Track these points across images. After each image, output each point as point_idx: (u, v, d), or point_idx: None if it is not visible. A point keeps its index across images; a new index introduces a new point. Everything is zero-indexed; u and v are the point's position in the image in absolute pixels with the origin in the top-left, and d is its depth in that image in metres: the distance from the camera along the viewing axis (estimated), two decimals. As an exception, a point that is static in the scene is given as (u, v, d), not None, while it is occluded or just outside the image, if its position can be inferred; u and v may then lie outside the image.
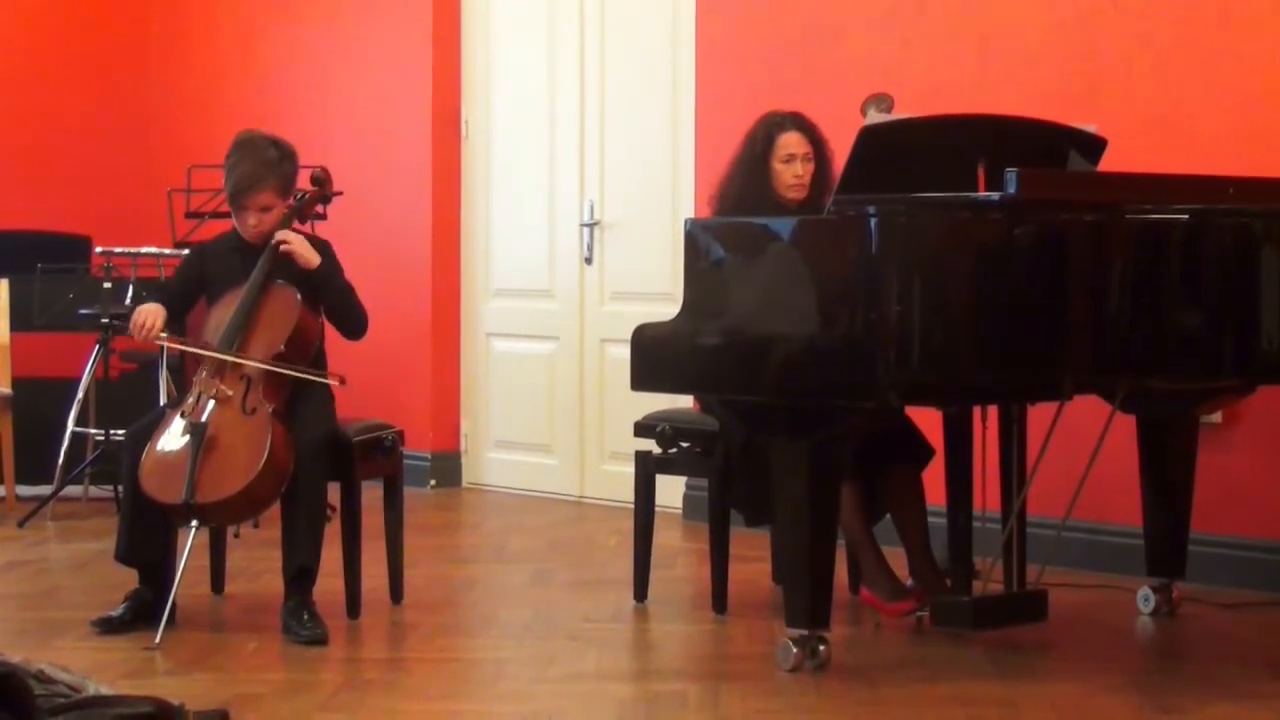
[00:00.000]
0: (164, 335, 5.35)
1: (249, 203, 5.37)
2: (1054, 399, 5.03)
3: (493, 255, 8.26)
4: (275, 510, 5.29)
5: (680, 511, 7.25)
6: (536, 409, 8.07)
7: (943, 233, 4.53)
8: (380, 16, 8.45)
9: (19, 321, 7.61)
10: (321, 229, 5.96)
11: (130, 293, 7.20)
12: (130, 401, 7.33)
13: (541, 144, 8.04)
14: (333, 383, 5.36)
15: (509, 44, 8.20)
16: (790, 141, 5.40)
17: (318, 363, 5.47)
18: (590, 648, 5.09)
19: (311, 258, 5.39)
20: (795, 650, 4.72)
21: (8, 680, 3.74)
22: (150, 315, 5.30)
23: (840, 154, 4.72)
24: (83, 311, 7.33)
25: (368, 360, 6.35)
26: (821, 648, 4.73)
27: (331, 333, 5.52)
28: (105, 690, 4.11)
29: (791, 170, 5.38)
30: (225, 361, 5.26)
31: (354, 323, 5.48)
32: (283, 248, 5.37)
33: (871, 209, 4.46)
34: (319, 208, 5.95)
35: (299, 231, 5.49)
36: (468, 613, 5.76)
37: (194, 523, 5.10)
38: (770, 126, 5.42)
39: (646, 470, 5.67)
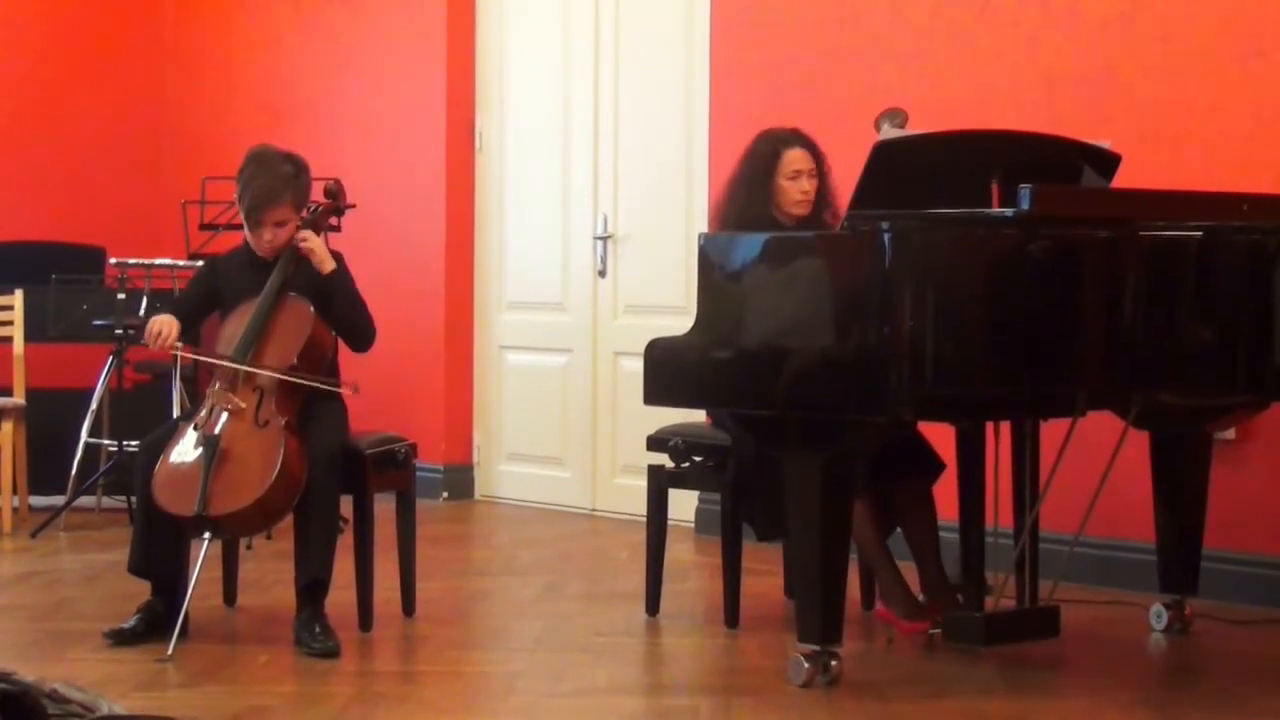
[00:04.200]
0: (179, 345, 5.37)
1: (265, 218, 5.38)
2: (1067, 415, 5.03)
3: (506, 268, 8.27)
4: (288, 522, 5.30)
5: (693, 525, 7.25)
6: (549, 422, 8.07)
7: (956, 248, 4.53)
8: (395, 29, 8.47)
9: (33, 332, 7.63)
10: (335, 241, 5.96)
11: (144, 304, 7.22)
12: (143, 412, 7.34)
13: (555, 157, 8.05)
14: (346, 391, 5.37)
15: (523, 56, 8.21)
16: (796, 158, 5.41)
17: (331, 375, 5.47)
18: (602, 661, 5.09)
19: (327, 261, 5.42)
20: (807, 665, 4.72)
21: (21, 700, 3.75)
22: (165, 325, 5.31)
23: (854, 170, 4.72)
24: (96, 322, 7.34)
25: (381, 373, 6.37)
26: (833, 663, 4.73)
27: (343, 348, 5.53)
28: (119, 709, 4.12)
29: (798, 186, 5.39)
30: (238, 373, 5.27)
31: (361, 334, 5.48)
32: (302, 245, 5.38)
33: (885, 224, 4.46)
34: (332, 220, 5.96)
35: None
36: (479, 626, 5.77)
37: (206, 535, 5.11)
38: (775, 143, 5.43)
39: (659, 484, 5.68)
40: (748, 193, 5.41)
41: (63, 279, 7.57)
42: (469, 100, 8.35)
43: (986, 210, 4.69)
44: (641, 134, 7.72)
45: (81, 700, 4.00)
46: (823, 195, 5.45)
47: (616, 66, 7.82)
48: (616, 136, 7.82)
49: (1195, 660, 5.31)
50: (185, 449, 5.19)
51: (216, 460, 5.10)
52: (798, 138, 5.46)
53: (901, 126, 5.16)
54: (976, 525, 5.07)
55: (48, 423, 7.67)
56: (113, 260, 7.61)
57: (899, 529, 5.47)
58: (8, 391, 7.53)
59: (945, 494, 5.30)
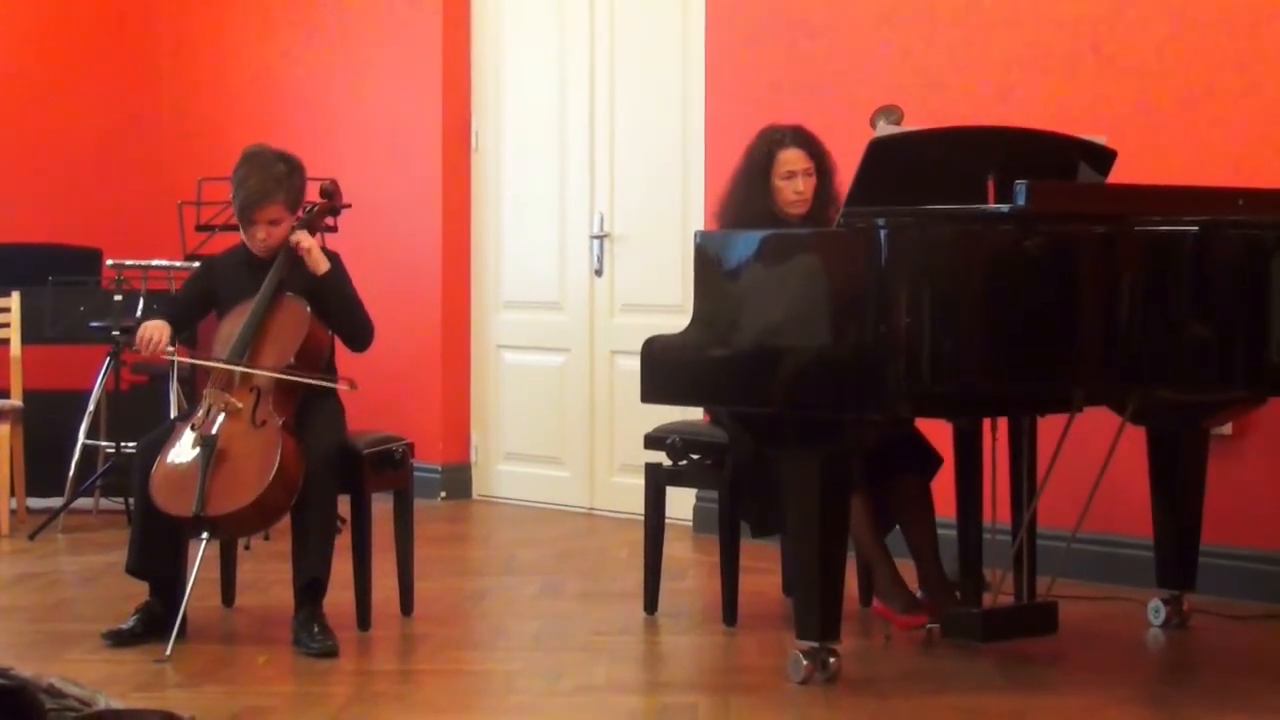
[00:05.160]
0: (170, 350, 5.36)
1: (258, 216, 5.39)
2: (1064, 411, 5.03)
3: (503, 267, 8.27)
4: (286, 522, 5.30)
5: (690, 524, 7.24)
6: (547, 421, 8.07)
7: (953, 245, 4.53)
8: (390, 30, 8.47)
9: (30, 334, 7.63)
10: (331, 241, 5.97)
11: (141, 305, 7.21)
12: (141, 414, 7.33)
13: (551, 156, 8.05)
14: (343, 387, 5.37)
15: (519, 56, 8.21)
16: (790, 158, 5.40)
17: (328, 375, 5.47)
18: (600, 660, 5.10)
19: (322, 262, 5.41)
20: (805, 662, 4.72)
21: (19, 695, 3.74)
22: (155, 330, 5.32)
23: (849, 166, 4.72)
24: (93, 324, 7.34)
25: (378, 373, 6.36)
26: (832, 660, 4.73)
27: (341, 348, 5.53)
28: (116, 704, 4.11)
29: (793, 186, 5.38)
30: (235, 373, 5.27)
31: (358, 334, 5.48)
32: (299, 243, 5.37)
33: (881, 221, 4.46)
34: (328, 220, 5.96)
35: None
36: (478, 625, 5.76)
37: (204, 535, 5.11)
38: (770, 143, 5.42)
39: (657, 482, 5.68)
40: (747, 190, 5.41)
41: (59, 281, 7.57)
42: (465, 100, 8.34)
43: (983, 206, 4.69)
44: (637, 133, 7.72)
45: (79, 695, 3.99)
46: (826, 193, 5.43)
47: (612, 65, 7.82)
48: (612, 135, 7.82)
49: (1193, 656, 5.31)
50: (183, 449, 5.20)
51: (214, 461, 5.10)
52: (794, 137, 5.44)
53: (897, 123, 5.16)
54: (974, 522, 5.07)
55: (45, 424, 7.67)
56: (109, 262, 7.61)
57: (897, 526, 5.47)
58: (5, 393, 7.53)
59: (943, 491, 5.30)
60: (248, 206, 5.39)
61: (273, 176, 5.39)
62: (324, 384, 5.34)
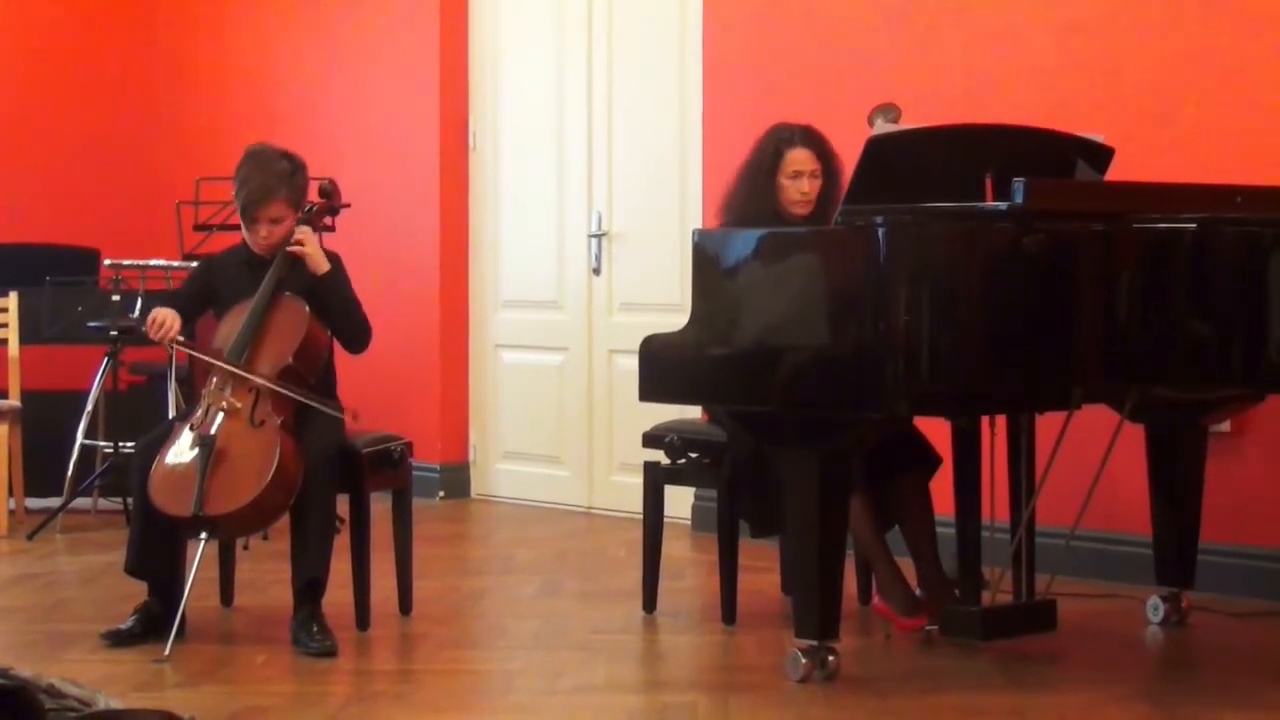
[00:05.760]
0: (180, 339, 5.36)
1: (261, 214, 5.39)
2: (1063, 408, 5.03)
3: (501, 266, 8.27)
4: (284, 522, 5.30)
5: (689, 522, 7.24)
6: (545, 420, 8.07)
7: (951, 243, 4.53)
8: (388, 28, 8.47)
9: (28, 334, 7.62)
10: (329, 241, 5.96)
11: (139, 305, 7.21)
12: (139, 413, 7.34)
13: (549, 155, 8.05)
14: (345, 418, 5.34)
15: (516, 55, 8.21)
16: (798, 158, 5.38)
17: (327, 376, 5.47)
18: (599, 659, 5.10)
19: (321, 262, 5.41)
20: (804, 661, 4.72)
21: (19, 695, 3.74)
22: (168, 316, 5.31)
23: (848, 164, 4.72)
24: (91, 324, 7.34)
25: (376, 372, 6.38)
26: (831, 658, 4.73)
27: (339, 349, 5.52)
28: (116, 704, 4.11)
29: (798, 187, 5.37)
30: (234, 373, 5.27)
31: (357, 334, 5.48)
32: (297, 249, 5.38)
33: (879, 219, 4.46)
34: (327, 219, 5.96)
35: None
36: (477, 624, 5.76)
37: (203, 535, 5.11)
38: (779, 141, 5.40)
39: (655, 481, 5.67)
40: (752, 187, 5.39)
41: (57, 281, 7.57)
42: (462, 99, 8.34)
43: (980, 204, 4.68)
44: (635, 131, 7.72)
45: (78, 695, 3.99)
46: (830, 194, 5.39)
47: (610, 63, 7.82)
48: (610, 134, 7.81)
49: (1192, 653, 5.31)
50: (181, 449, 5.19)
51: (213, 460, 5.10)
52: (803, 136, 5.41)
53: (895, 121, 5.16)
54: (973, 520, 5.08)
55: (43, 424, 7.67)
56: (107, 262, 7.61)
57: (896, 525, 5.47)
58: (3, 394, 7.53)
59: (942, 489, 5.30)
60: (251, 204, 5.39)
61: (276, 174, 5.40)
62: (329, 411, 5.31)
